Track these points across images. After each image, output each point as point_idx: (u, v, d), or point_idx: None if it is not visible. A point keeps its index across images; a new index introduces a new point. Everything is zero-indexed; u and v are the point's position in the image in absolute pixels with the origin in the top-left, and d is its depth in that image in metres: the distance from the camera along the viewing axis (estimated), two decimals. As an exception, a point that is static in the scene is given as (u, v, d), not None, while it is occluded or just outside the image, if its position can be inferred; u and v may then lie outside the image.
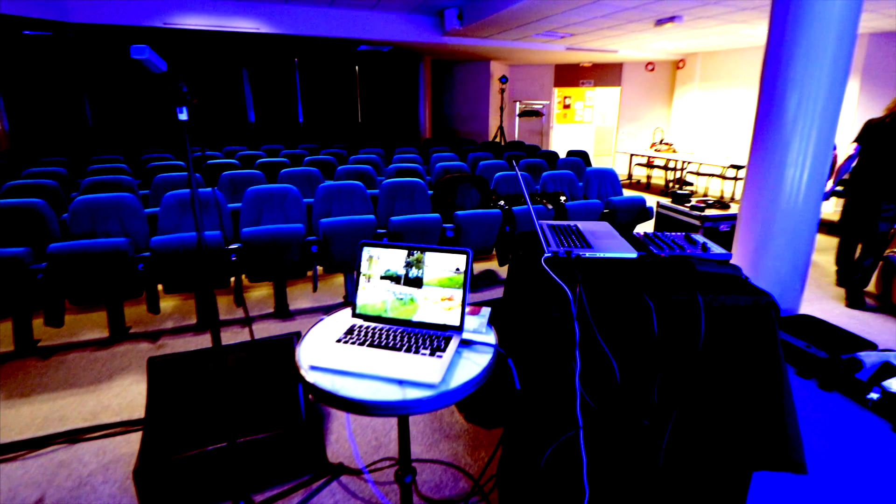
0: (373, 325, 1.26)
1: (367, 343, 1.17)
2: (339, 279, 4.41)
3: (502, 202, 4.34)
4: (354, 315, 1.31)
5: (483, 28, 6.90)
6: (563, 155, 6.88)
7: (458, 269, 1.24)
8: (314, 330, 1.29)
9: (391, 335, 1.20)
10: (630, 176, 10.00)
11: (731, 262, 1.48)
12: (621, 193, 5.11)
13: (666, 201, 4.66)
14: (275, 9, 7.11)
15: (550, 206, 4.30)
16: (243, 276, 4.09)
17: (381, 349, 1.15)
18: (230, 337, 3.26)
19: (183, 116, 1.19)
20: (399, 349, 1.15)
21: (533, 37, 7.56)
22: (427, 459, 1.94)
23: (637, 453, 1.31)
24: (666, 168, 9.17)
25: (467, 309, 1.38)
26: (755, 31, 6.71)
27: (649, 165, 9.50)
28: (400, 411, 0.98)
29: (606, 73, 10.91)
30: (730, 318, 1.24)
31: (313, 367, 1.09)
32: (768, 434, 1.22)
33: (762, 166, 3.06)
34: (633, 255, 1.41)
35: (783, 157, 2.95)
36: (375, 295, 1.29)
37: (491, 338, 1.23)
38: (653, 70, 10.44)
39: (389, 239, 3.76)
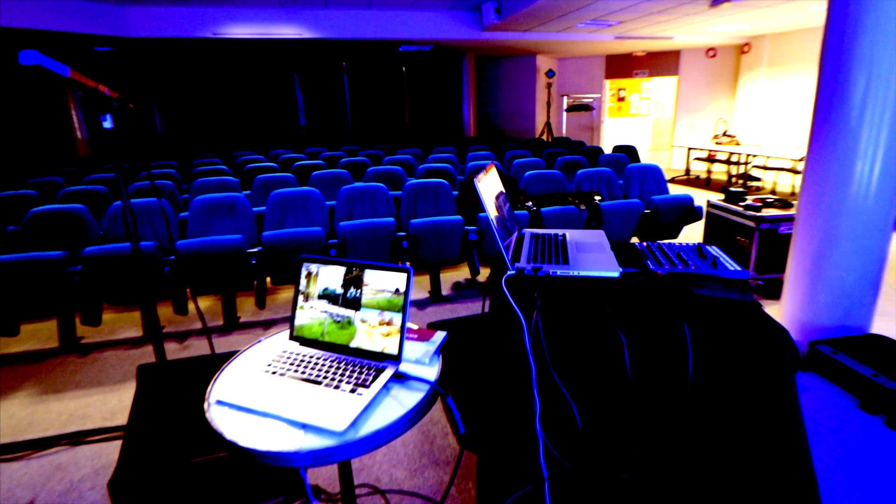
0: (305, 351, 1.13)
1: (290, 373, 1.04)
2: (363, 283, 4.35)
3: (530, 203, 4.09)
4: (291, 338, 1.18)
5: (522, 21, 6.62)
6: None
7: (397, 290, 1.09)
8: (243, 355, 1.18)
9: (318, 364, 1.06)
10: (688, 171, 9.26)
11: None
12: (666, 192, 4.68)
13: (718, 199, 4.19)
14: (315, 14, 7.23)
15: (583, 207, 4.00)
16: (267, 279, 4.15)
17: (302, 381, 1.02)
18: (248, 340, 3.29)
19: (107, 125, 1.11)
20: (320, 382, 1.01)
21: (577, 27, 7.17)
22: (407, 492, 1.79)
23: (614, 513, 1.09)
24: (728, 162, 8.39)
25: (418, 334, 1.22)
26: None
27: (710, 160, 8.74)
28: (293, 463, 0.83)
29: (662, 62, 10.18)
30: (729, 357, 0.99)
31: (220, 402, 0.97)
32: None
33: (824, 160, 2.63)
34: (616, 273, 1.18)
35: (849, 148, 2.51)
36: (313, 316, 1.16)
37: (431, 372, 1.06)
38: (714, 56, 9.61)
39: (409, 243, 3.64)
